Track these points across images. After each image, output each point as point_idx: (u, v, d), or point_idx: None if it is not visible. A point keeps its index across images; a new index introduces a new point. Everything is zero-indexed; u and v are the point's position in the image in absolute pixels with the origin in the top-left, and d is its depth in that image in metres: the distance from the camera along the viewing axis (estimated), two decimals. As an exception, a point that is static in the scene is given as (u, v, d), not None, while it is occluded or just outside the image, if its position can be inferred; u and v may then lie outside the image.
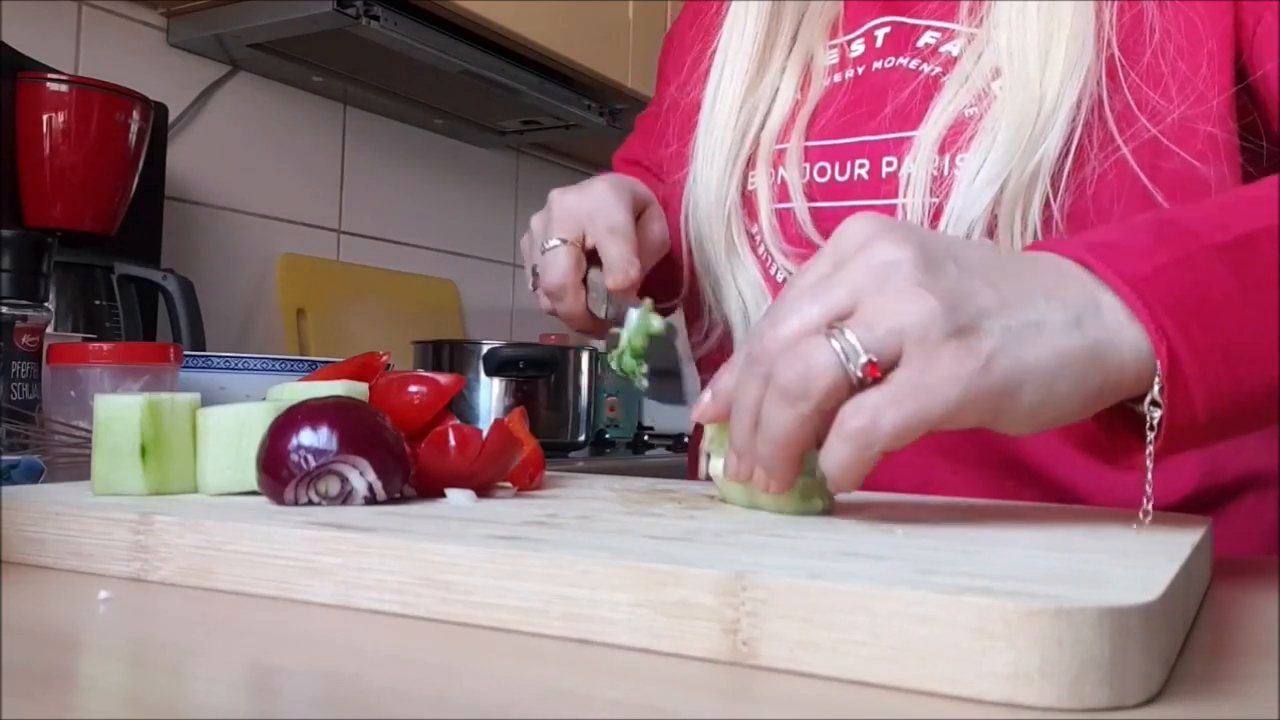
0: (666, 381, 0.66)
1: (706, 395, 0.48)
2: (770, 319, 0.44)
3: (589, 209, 0.67)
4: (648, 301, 0.64)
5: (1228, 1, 0.60)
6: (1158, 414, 0.42)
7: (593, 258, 0.68)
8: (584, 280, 0.67)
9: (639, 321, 0.63)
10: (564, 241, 0.67)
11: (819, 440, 0.42)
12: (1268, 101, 0.61)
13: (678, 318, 0.75)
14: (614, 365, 0.64)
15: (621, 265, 0.65)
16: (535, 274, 0.70)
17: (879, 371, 0.40)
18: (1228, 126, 0.60)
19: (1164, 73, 0.60)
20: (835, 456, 0.41)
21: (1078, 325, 0.41)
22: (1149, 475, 0.43)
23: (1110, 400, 0.43)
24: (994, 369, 0.40)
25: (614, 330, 0.66)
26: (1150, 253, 0.43)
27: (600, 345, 0.65)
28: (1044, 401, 0.41)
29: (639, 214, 0.71)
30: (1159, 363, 0.41)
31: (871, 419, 0.40)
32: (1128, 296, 0.42)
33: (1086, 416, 0.44)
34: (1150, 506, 0.44)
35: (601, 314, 0.68)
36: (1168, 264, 0.43)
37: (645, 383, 0.64)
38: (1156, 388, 0.42)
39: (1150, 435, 0.42)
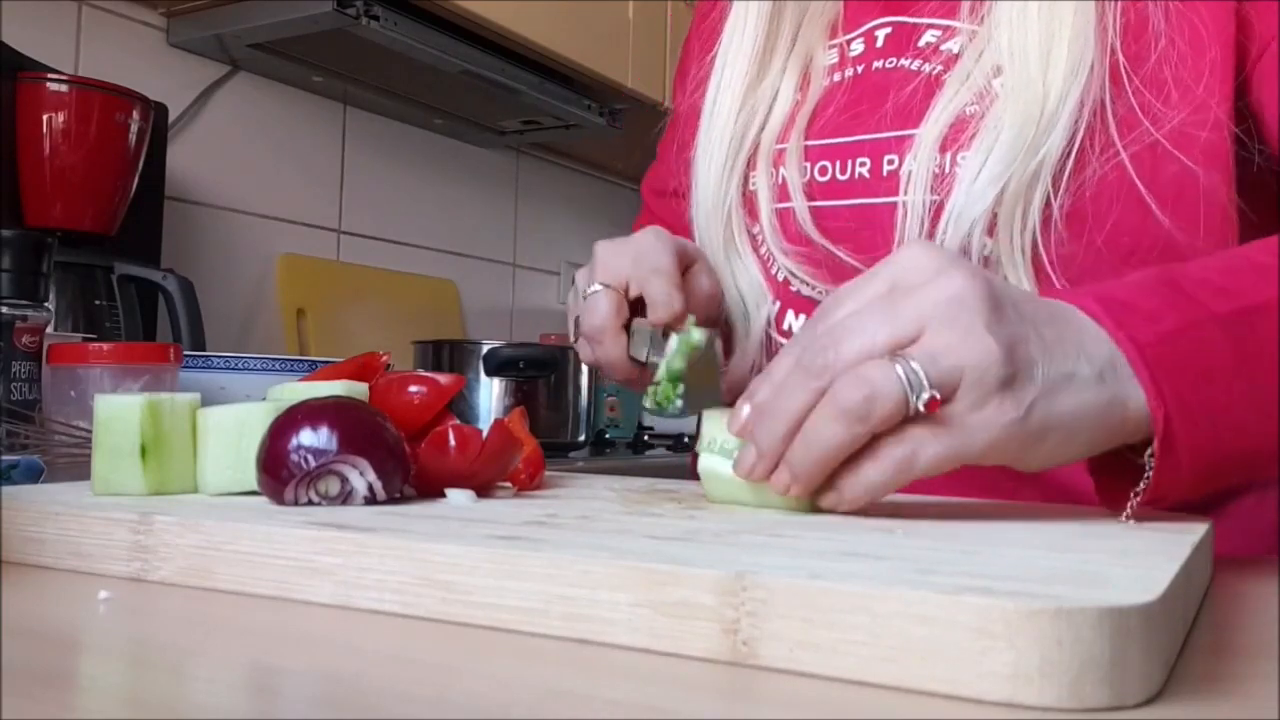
0: (704, 392, 0.64)
1: (745, 409, 0.48)
2: (829, 334, 0.44)
3: (632, 254, 0.66)
4: (691, 317, 0.63)
5: (1231, 4, 0.60)
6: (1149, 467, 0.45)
7: (634, 307, 0.67)
8: (627, 327, 0.66)
9: (679, 343, 0.61)
10: (606, 286, 0.66)
11: None
12: (1266, 123, 0.61)
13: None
14: (648, 404, 0.61)
15: (664, 299, 0.64)
16: (577, 325, 0.68)
17: (938, 407, 0.42)
18: (1226, 133, 0.60)
19: (1166, 78, 0.60)
20: (869, 478, 0.44)
21: (1100, 380, 0.44)
22: (1128, 516, 0.47)
23: (1109, 446, 0.46)
24: (1031, 418, 0.43)
25: (654, 361, 0.64)
26: (1158, 317, 0.46)
27: (646, 402, 0.63)
28: (1062, 449, 0.45)
29: (686, 267, 0.69)
30: (1155, 425, 0.44)
31: (912, 450, 0.43)
32: (1134, 360, 0.45)
33: (1088, 458, 0.47)
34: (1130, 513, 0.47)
35: (643, 359, 0.66)
36: (1172, 331, 0.45)
37: (679, 404, 0.61)
38: (1154, 445, 0.45)
39: (1141, 485, 0.46)
